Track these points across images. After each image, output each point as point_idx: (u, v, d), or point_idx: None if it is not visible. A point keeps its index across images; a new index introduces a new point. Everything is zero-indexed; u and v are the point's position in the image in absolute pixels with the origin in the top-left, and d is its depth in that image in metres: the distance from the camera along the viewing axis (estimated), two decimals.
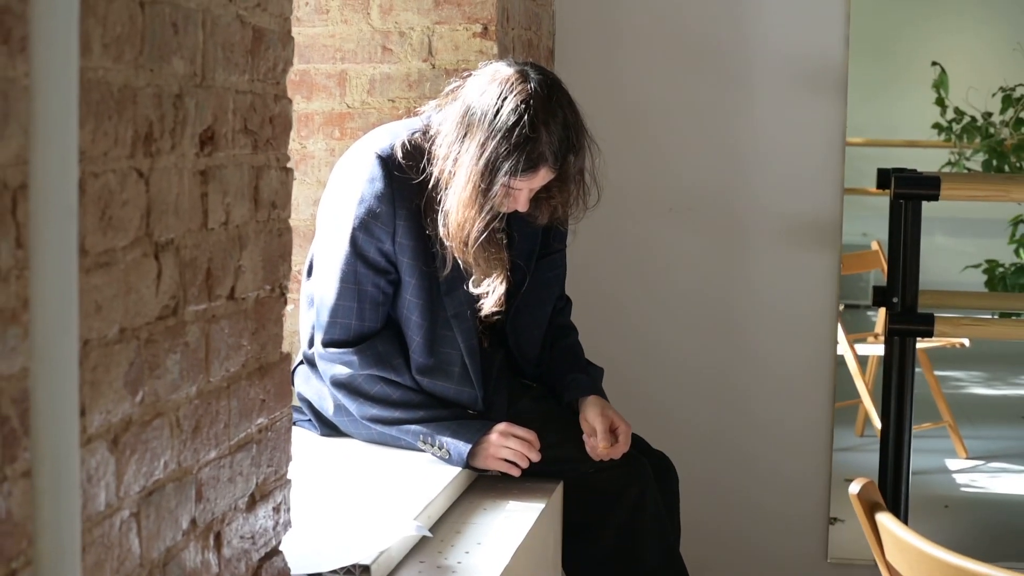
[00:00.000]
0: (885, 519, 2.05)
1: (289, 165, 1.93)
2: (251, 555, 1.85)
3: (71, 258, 1.21)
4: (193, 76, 1.61)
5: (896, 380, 3.68)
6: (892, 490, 3.67)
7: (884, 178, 3.94)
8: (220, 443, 1.73)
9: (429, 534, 2.42)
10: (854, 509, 2.12)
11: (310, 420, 2.97)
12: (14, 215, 1.23)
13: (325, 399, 2.90)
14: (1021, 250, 7.09)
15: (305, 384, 2.94)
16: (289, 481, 1.98)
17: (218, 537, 1.75)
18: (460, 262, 2.76)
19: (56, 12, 1.20)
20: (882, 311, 5.00)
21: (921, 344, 5.06)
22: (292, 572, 2.02)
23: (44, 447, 1.21)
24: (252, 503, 1.85)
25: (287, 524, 1.98)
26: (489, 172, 2.66)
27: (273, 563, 1.93)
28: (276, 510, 1.94)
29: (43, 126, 1.18)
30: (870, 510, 2.09)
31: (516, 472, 2.78)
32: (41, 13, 1.19)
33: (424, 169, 2.74)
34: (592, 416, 2.84)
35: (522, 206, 2.76)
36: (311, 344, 2.89)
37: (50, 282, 1.20)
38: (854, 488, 2.10)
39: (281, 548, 1.96)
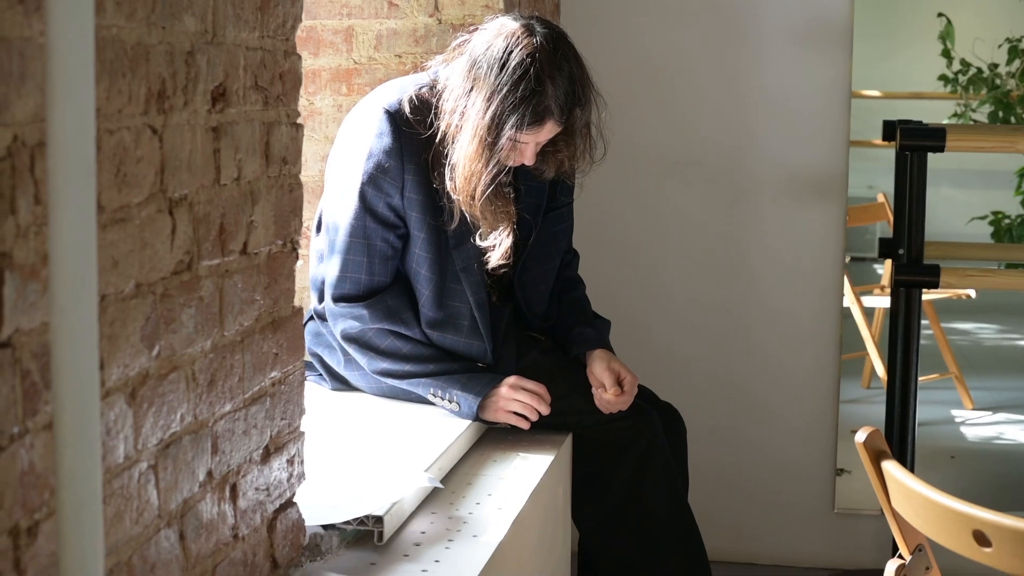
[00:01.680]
0: (891, 467, 2.08)
1: (299, 121, 1.94)
2: (266, 507, 1.88)
3: (89, 214, 1.22)
4: (204, 33, 1.62)
5: (902, 331, 3.70)
6: (899, 441, 3.70)
7: (890, 130, 3.95)
8: (235, 396, 1.76)
9: (441, 485, 2.45)
10: (860, 458, 2.14)
11: (320, 375, 3.00)
12: (32, 172, 1.25)
13: (335, 353, 2.93)
14: None
15: (315, 339, 2.96)
16: (302, 434, 2.01)
17: (234, 489, 1.77)
18: (467, 216, 2.77)
19: None
20: (888, 263, 5.01)
21: (927, 295, 5.08)
22: (306, 523, 2.04)
23: (65, 400, 1.23)
24: (267, 455, 1.88)
25: (301, 476, 2.01)
26: (495, 125, 2.68)
27: (288, 514, 1.96)
28: (290, 462, 1.96)
29: (60, 84, 1.19)
30: (876, 458, 2.12)
31: (525, 425, 2.80)
32: None
33: (431, 123, 2.76)
34: (599, 369, 2.87)
35: (528, 160, 2.77)
36: (321, 299, 2.91)
37: (69, 238, 1.21)
38: (860, 436, 2.12)
39: (295, 500, 1.99)
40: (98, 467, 1.26)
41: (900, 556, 2.16)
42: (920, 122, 3.77)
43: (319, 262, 2.94)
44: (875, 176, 7.18)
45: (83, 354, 1.24)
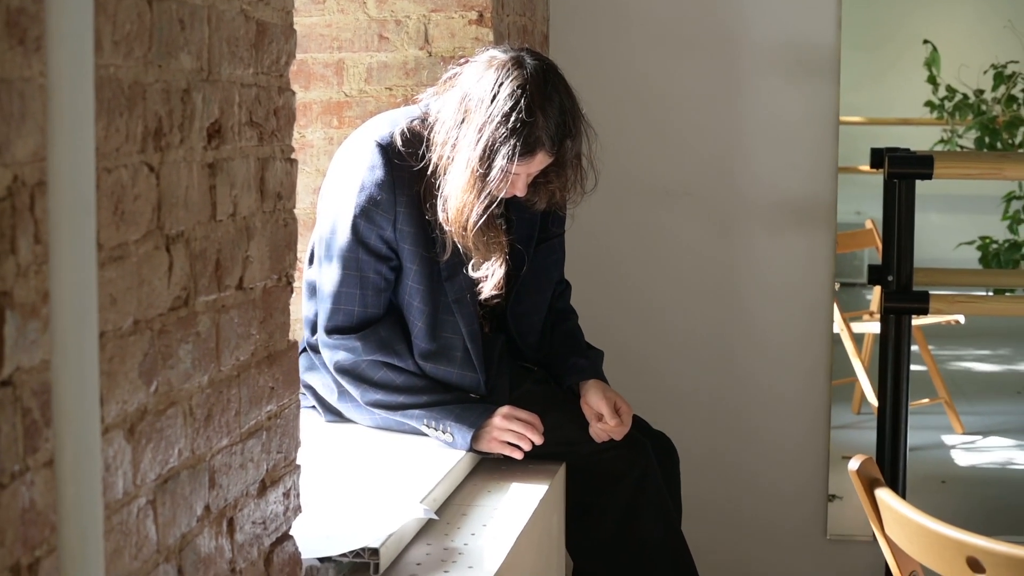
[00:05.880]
0: (884, 495, 2.09)
1: (294, 156, 1.95)
2: (263, 540, 1.89)
3: (90, 252, 1.23)
4: (200, 71, 1.63)
5: (892, 357, 3.71)
6: (890, 467, 3.71)
7: (878, 158, 3.97)
8: (231, 431, 1.77)
9: (436, 517, 2.45)
10: (853, 486, 2.15)
11: (314, 406, 3.00)
12: (32, 212, 1.26)
13: (329, 385, 2.93)
14: (1014, 226, 7.12)
15: (308, 371, 2.97)
16: (298, 467, 2.01)
17: (231, 523, 1.78)
18: (460, 247, 2.79)
19: (70, 11, 1.22)
20: (877, 289, 5.03)
21: (916, 321, 5.10)
22: (303, 556, 2.05)
23: (66, 437, 1.23)
24: (263, 489, 1.88)
25: (297, 509, 2.01)
26: (487, 157, 2.69)
27: (284, 548, 1.96)
28: (286, 495, 1.97)
29: (60, 124, 1.21)
30: (869, 486, 2.13)
31: (519, 455, 2.81)
32: (55, 13, 1.22)
33: (423, 156, 2.77)
34: (594, 399, 2.87)
35: (520, 191, 2.79)
36: (314, 331, 2.92)
37: (69, 276, 1.22)
38: (853, 464, 2.13)
39: (292, 533, 2.00)
40: (99, 503, 1.26)
41: None
42: (908, 150, 3.79)
43: (311, 295, 2.95)
44: (862, 202, 7.20)
45: (84, 391, 1.25)
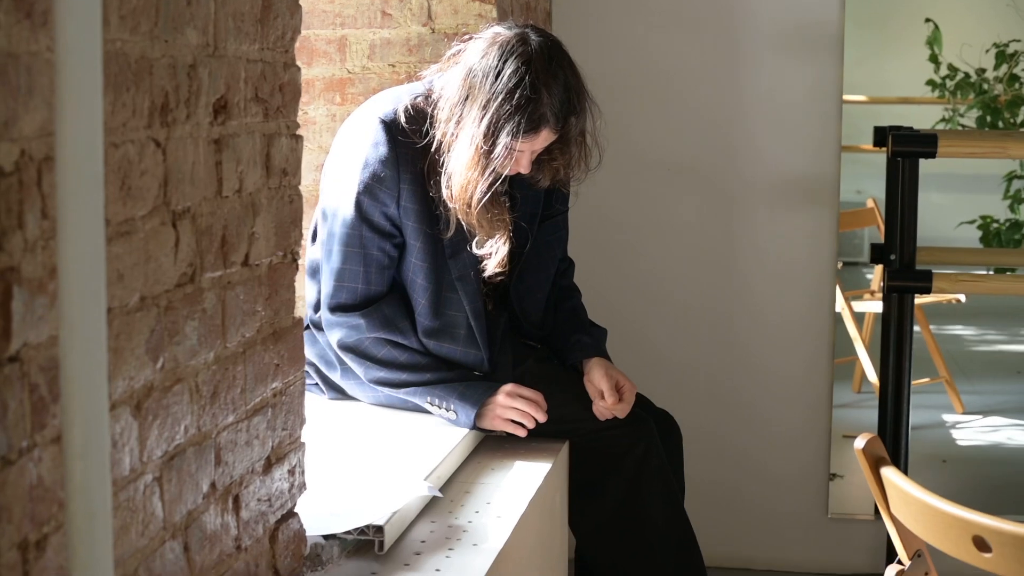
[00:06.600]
0: (890, 473, 2.09)
1: (299, 132, 1.95)
2: (268, 517, 1.88)
3: (97, 228, 1.23)
4: (206, 46, 1.63)
5: (894, 336, 3.72)
6: (892, 445, 3.71)
7: (881, 136, 3.96)
8: (237, 408, 1.76)
9: (440, 494, 2.45)
10: (857, 464, 2.15)
11: (317, 384, 3.00)
12: (39, 187, 1.25)
13: (332, 363, 2.93)
14: (1016, 205, 7.12)
15: (312, 348, 2.96)
16: (303, 444, 2.01)
17: (236, 500, 1.78)
18: (464, 224, 2.78)
19: None
20: (879, 268, 5.03)
21: (918, 300, 5.09)
22: (307, 533, 2.05)
23: (74, 413, 1.23)
24: (268, 466, 1.88)
25: (302, 486, 2.01)
26: (491, 134, 2.69)
27: (289, 525, 1.96)
28: (291, 472, 1.97)
29: (67, 99, 1.20)
30: (875, 464, 2.13)
31: (522, 432, 2.81)
32: None
33: (427, 132, 2.76)
34: (597, 377, 2.87)
35: (524, 168, 2.78)
36: (317, 308, 2.92)
37: (77, 251, 1.22)
38: (859, 443, 2.13)
39: (297, 510, 2.00)
40: (108, 480, 1.26)
41: (899, 562, 2.17)
42: (911, 128, 3.78)
43: (314, 272, 2.94)
44: (863, 181, 7.20)
45: (92, 367, 1.24)
